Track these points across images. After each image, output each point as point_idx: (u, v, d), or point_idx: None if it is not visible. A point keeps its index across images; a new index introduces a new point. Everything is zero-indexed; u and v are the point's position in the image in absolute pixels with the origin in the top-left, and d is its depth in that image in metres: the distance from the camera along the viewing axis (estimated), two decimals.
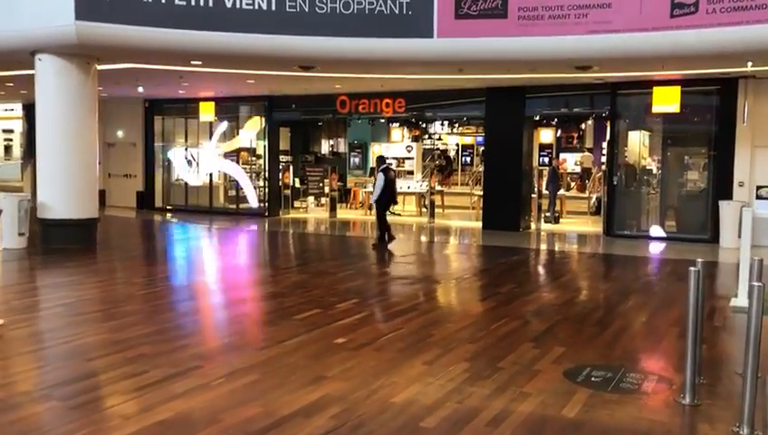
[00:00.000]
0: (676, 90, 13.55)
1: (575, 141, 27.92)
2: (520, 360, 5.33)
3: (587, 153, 25.11)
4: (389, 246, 11.95)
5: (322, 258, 11.15)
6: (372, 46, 11.19)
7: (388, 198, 12.56)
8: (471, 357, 5.38)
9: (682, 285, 7.24)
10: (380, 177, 12.48)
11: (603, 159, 25.57)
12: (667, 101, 13.68)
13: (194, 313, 7.01)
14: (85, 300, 7.49)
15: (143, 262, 10.67)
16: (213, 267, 10.71)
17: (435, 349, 5.59)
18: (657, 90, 13.72)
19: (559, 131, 25.91)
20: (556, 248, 13.65)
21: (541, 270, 10.64)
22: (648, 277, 9.97)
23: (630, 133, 14.43)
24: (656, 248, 13.18)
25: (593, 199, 20.36)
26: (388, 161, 14.65)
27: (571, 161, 24.59)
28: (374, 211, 13.12)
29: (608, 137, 20.58)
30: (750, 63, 11.01)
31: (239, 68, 12.93)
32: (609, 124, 15.12)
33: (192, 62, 12.16)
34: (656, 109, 13.79)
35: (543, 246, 13.79)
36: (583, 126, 27.62)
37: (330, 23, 11.09)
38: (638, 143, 14.58)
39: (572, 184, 22.98)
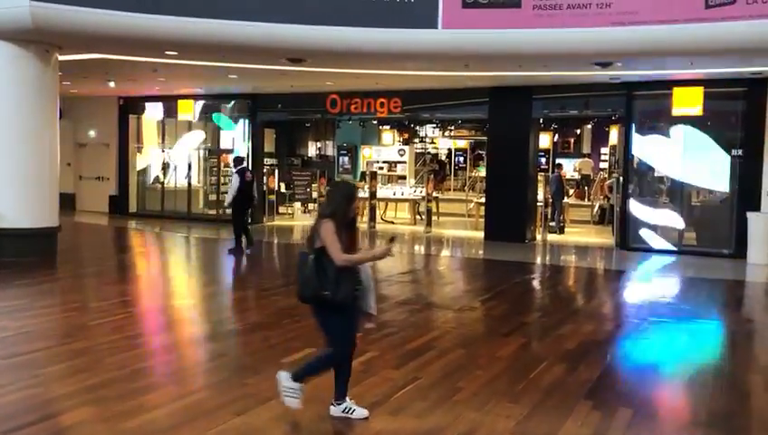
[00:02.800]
0: (699, 91, 12.43)
1: (571, 147, 26.89)
2: (581, 431, 4.07)
3: (586, 159, 24.00)
4: (247, 251, 11.57)
5: None
6: (370, 37, 9.94)
7: (245, 201, 11.84)
8: (517, 424, 4.12)
9: (737, 313, 6.00)
10: (236, 178, 11.78)
11: (602, 165, 24.78)
12: (688, 103, 12.54)
13: (155, 353, 5.65)
14: (24, 333, 6.12)
15: (107, 280, 9.28)
16: (186, 288, 9.35)
17: (468, 411, 4.33)
18: (677, 91, 12.58)
19: (556, 136, 24.81)
20: (571, 264, 12.42)
21: (564, 292, 9.39)
22: (692, 300, 8.75)
23: (647, 137, 13.24)
24: (679, 265, 12.00)
25: (596, 208, 19.27)
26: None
27: (567, 167, 23.47)
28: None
29: (621, 141, 19.43)
30: None
31: (220, 60, 11.59)
32: (624, 127, 14.00)
33: (166, 53, 10.81)
34: (676, 111, 12.65)
35: (556, 261, 12.55)
36: (578, 131, 26.61)
37: (323, 10, 9.84)
38: (655, 148, 13.39)
39: (571, 191, 21.80)
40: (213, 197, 17.95)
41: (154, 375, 4.98)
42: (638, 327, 7.21)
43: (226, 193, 12.81)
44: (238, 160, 12.29)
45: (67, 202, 19.04)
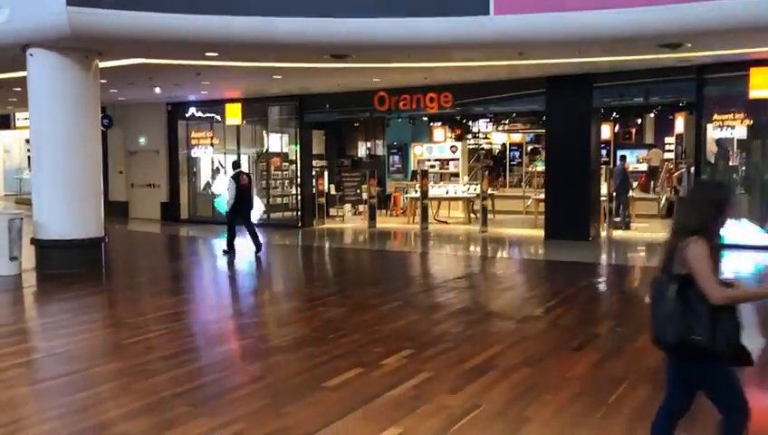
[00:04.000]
0: None
1: (632, 137, 25.61)
2: None
3: (656, 149, 22.70)
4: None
5: (362, 283, 9.29)
6: (416, 27, 9.33)
7: (243, 205, 11.45)
8: None
9: None
10: (231, 183, 11.38)
11: (667, 155, 23.47)
12: (767, 84, 11.47)
13: (189, 376, 5.16)
14: (57, 354, 5.77)
15: (152, 291, 8.95)
16: (231, 299, 8.95)
17: None
18: (755, 71, 11.52)
19: (617, 126, 23.62)
20: (641, 263, 11.52)
21: (637, 297, 8.56)
22: None
23: (720, 124, 12.19)
24: (759, 261, 10.97)
25: (663, 200, 18.15)
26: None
27: (630, 158, 22.28)
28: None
29: (691, 129, 18.21)
30: None
31: (261, 60, 11.18)
32: (694, 114, 12.98)
33: (207, 54, 10.45)
34: (753, 94, 11.59)
35: (625, 261, 11.68)
36: (640, 120, 25.31)
37: (365, 2, 9.30)
38: (729, 135, 12.34)
39: (635, 184, 20.66)
40: (264, 201, 17.65)
41: (184, 404, 4.50)
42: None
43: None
44: (235, 165, 11.94)
45: (120, 210, 19.16)
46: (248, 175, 11.76)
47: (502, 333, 6.32)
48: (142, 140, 19.03)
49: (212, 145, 18.12)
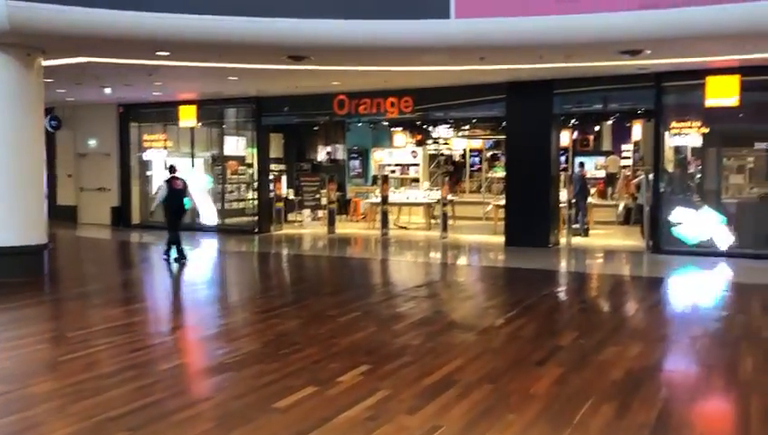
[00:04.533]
0: (734, 79, 11.45)
1: (591, 144, 25.85)
2: None
3: (613, 156, 22.96)
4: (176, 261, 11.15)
5: (319, 292, 8.98)
6: (376, 30, 9.12)
7: (174, 210, 11.24)
8: None
9: None
10: (163, 186, 11.31)
11: (623, 162, 23.73)
12: (723, 93, 11.57)
13: (127, 398, 4.78)
14: None
15: (97, 302, 8.48)
16: (180, 311, 8.55)
17: None
18: (711, 80, 11.61)
19: (575, 133, 23.79)
20: (602, 271, 11.49)
21: (599, 306, 8.46)
22: (746, 312, 7.80)
23: (678, 131, 12.25)
24: (721, 268, 11.03)
25: (620, 207, 18.29)
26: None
27: (588, 165, 22.47)
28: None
29: (649, 136, 18.45)
30: None
31: (216, 60, 10.80)
32: (652, 121, 13.04)
33: (158, 54, 10.03)
34: (709, 102, 11.68)
35: (586, 269, 11.63)
36: (598, 127, 25.55)
37: (323, 3, 9.04)
38: (686, 142, 12.42)
39: (593, 190, 20.82)
40: (219, 206, 17.19)
41: (121, 429, 4.14)
42: (691, 348, 6.29)
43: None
44: (171, 169, 11.66)
45: (68, 215, 18.45)
46: (183, 181, 11.41)
47: (463, 345, 6.10)
48: (92, 142, 18.37)
49: (166, 148, 17.57)
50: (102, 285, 9.84)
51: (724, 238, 11.81)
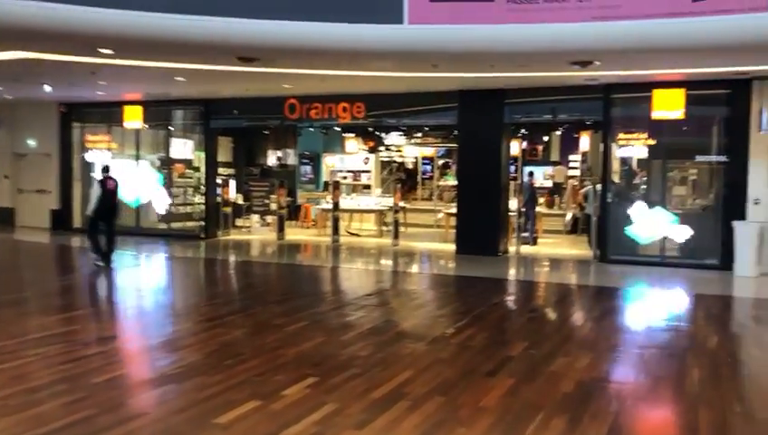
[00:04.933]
0: (680, 93, 11.71)
1: (539, 154, 26.20)
2: None
3: (559, 166, 23.34)
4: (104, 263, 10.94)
5: (266, 300, 8.72)
6: (327, 33, 8.96)
7: (105, 211, 11.12)
8: None
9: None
10: (96, 187, 11.12)
11: (571, 172, 24.13)
12: (669, 106, 11.83)
13: (53, 416, 4.50)
14: None
15: (30, 310, 8.04)
16: (119, 319, 8.18)
17: None
18: (657, 93, 11.85)
19: (524, 143, 24.07)
20: (551, 280, 11.56)
21: (548, 315, 8.45)
22: (689, 322, 7.89)
23: (625, 142, 12.45)
24: (664, 278, 11.23)
25: (568, 217, 18.54)
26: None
27: (537, 175, 22.77)
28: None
29: (596, 147, 18.80)
30: None
31: (161, 60, 10.46)
32: (601, 132, 13.23)
33: (100, 51, 9.64)
34: (656, 115, 11.92)
35: (535, 277, 11.68)
36: (546, 138, 25.93)
37: (275, 3, 8.84)
38: (633, 154, 12.64)
39: (541, 200, 21.11)
40: (166, 210, 16.72)
41: None
42: (640, 359, 6.31)
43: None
44: (104, 169, 11.43)
45: (5, 218, 17.67)
46: (115, 180, 11.13)
47: (413, 356, 5.97)
48: (32, 142, 17.63)
49: (110, 149, 17.00)
50: (37, 291, 9.35)
51: (680, 235, 12.00)
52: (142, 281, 10.84)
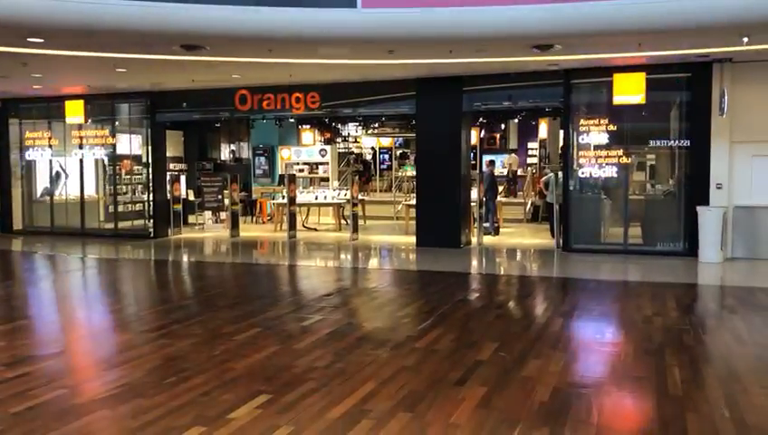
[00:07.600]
0: (641, 77, 11.48)
1: (497, 142, 25.99)
2: None
3: (513, 155, 23.22)
4: None
5: (216, 306, 8.15)
6: (276, 18, 8.44)
7: None
8: None
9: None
10: None
11: (530, 160, 24.00)
12: (629, 90, 11.59)
13: None
14: None
15: None
16: (51, 331, 7.53)
17: None
18: (618, 77, 11.61)
19: (482, 131, 23.81)
20: (515, 272, 11.25)
21: (517, 311, 8.09)
22: (668, 314, 7.61)
23: (586, 128, 12.19)
24: (628, 267, 11.03)
25: (529, 205, 18.36)
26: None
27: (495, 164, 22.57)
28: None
29: (555, 134, 18.61)
30: (746, 39, 8.95)
31: (98, 50, 9.75)
32: (561, 118, 12.98)
33: (29, 40, 8.90)
34: (617, 100, 11.67)
35: (499, 270, 11.36)
36: (504, 126, 25.73)
37: None
38: (594, 140, 12.39)
39: (501, 188, 20.92)
40: (111, 209, 15.93)
41: None
42: (615, 357, 5.98)
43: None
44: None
45: None
46: None
47: (375, 364, 5.52)
48: None
49: (51, 147, 16.10)
50: None
51: (631, 235, 11.86)
52: (81, 288, 10.14)
